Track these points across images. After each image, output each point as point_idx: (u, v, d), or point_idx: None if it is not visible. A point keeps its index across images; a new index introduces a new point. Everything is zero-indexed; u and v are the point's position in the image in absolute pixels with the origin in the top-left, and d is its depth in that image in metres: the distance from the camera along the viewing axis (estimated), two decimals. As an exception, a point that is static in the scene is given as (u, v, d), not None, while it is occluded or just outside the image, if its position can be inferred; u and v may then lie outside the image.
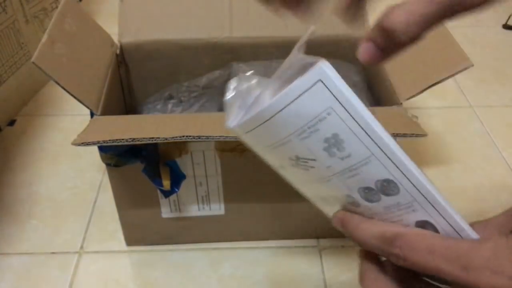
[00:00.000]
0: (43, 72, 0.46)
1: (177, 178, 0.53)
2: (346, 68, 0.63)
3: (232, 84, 0.28)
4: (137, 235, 0.62)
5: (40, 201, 0.69)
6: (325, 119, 0.24)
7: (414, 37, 0.25)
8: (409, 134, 0.45)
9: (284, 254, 0.61)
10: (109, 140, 0.44)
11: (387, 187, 0.26)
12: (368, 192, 0.27)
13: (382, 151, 0.24)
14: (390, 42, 0.25)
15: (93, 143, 0.44)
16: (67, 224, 0.66)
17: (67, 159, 0.75)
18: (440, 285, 0.27)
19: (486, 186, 0.71)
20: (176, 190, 0.53)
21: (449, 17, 0.24)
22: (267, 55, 0.66)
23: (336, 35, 0.64)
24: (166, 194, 0.54)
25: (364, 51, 0.26)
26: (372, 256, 0.29)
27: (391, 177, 0.25)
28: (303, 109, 0.24)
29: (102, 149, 0.50)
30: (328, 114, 0.24)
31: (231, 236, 0.62)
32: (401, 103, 0.52)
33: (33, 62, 0.45)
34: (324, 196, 0.30)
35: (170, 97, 0.69)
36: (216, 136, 0.45)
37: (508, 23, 1.07)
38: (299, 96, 0.24)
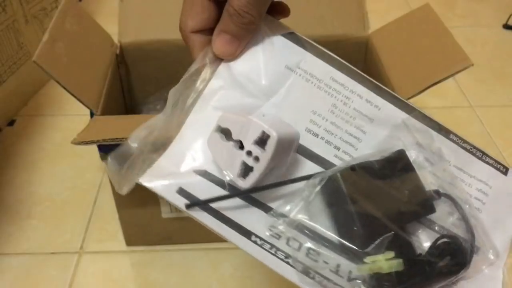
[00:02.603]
0: (44, 71, 0.46)
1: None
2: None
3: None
4: (137, 235, 0.62)
5: (40, 201, 0.69)
6: None
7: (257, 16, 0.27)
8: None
9: (284, 254, 0.61)
10: (109, 139, 0.44)
11: None
12: None
13: None
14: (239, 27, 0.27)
15: (93, 142, 0.44)
16: (67, 224, 0.66)
17: (67, 159, 0.75)
18: None
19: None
20: (176, 190, 0.53)
21: None
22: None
23: (336, 35, 0.64)
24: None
25: (220, 43, 0.27)
26: None
27: None
28: None
29: (102, 148, 0.50)
30: None
31: (231, 236, 0.62)
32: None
33: (34, 61, 0.45)
34: None
35: (170, 97, 0.69)
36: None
37: (508, 23, 1.07)
38: None
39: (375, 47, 0.61)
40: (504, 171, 0.34)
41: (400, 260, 0.27)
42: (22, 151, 0.77)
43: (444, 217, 0.31)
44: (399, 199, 0.29)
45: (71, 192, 0.71)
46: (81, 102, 0.49)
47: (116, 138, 0.44)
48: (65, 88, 0.47)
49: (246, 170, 0.26)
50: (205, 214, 0.28)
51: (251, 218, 0.29)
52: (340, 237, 0.29)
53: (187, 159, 0.29)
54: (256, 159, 0.26)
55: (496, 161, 0.34)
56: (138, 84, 0.69)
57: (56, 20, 0.51)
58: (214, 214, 0.29)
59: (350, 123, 0.31)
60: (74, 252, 0.63)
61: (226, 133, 0.27)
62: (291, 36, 0.32)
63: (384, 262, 0.27)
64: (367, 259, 0.28)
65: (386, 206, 0.29)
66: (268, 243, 0.29)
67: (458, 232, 0.30)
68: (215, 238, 0.63)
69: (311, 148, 0.31)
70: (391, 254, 0.27)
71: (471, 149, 0.33)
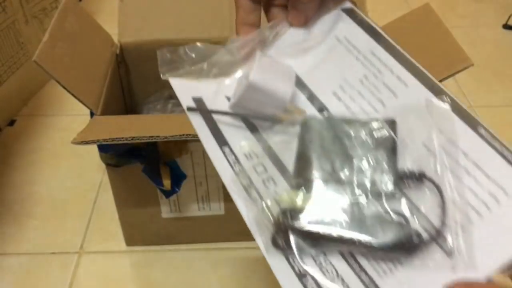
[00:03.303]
0: (44, 71, 0.46)
1: (178, 178, 0.53)
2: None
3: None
4: (137, 235, 0.62)
5: (40, 201, 0.69)
6: None
7: None
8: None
9: (284, 254, 0.61)
10: (109, 138, 0.44)
11: None
12: None
13: None
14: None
15: (93, 142, 0.44)
16: (67, 224, 0.66)
17: (67, 159, 0.75)
18: None
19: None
20: (177, 190, 0.53)
21: None
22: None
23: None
24: (167, 194, 0.54)
25: (292, 16, 0.33)
26: None
27: None
28: None
29: (102, 148, 0.50)
30: None
31: (231, 236, 0.62)
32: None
33: (34, 61, 0.45)
34: None
35: (170, 97, 0.69)
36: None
37: (508, 23, 1.07)
38: None
39: (375, 47, 0.61)
40: None
41: (317, 204, 0.28)
42: (22, 151, 0.77)
43: (422, 200, 0.29)
44: (352, 161, 0.29)
45: (71, 192, 0.71)
46: (81, 102, 0.49)
47: (116, 138, 0.44)
48: (65, 88, 0.47)
49: (235, 91, 0.32)
50: (201, 119, 0.33)
51: (237, 135, 0.32)
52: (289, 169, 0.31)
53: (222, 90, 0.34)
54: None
55: None
56: (138, 84, 0.69)
57: (56, 20, 0.52)
58: (209, 122, 0.33)
59: (375, 95, 0.32)
60: (74, 252, 0.63)
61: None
62: (348, 11, 0.35)
63: (290, 196, 0.28)
64: (288, 191, 0.29)
65: (336, 161, 0.29)
66: (235, 155, 0.31)
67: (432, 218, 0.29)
68: (215, 238, 0.63)
69: (331, 111, 0.33)
70: (310, 195, 0.29)
71: (499, 147, 0.30)
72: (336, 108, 0.33)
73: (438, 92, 0.31)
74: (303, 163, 0.30)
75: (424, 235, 0.28)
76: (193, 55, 0.34)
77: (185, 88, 0.34)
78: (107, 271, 0.60)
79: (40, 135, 0.80)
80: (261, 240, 0.28)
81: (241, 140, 0.32)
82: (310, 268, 0.28)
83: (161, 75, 0.34)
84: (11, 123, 0.82)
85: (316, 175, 0.29)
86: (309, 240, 0.28)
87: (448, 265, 0.27)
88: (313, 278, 0.28)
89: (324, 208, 0.28)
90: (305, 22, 0.35)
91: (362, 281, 0.27)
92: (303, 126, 0.31)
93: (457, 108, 0.31)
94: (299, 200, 0.28)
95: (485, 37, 1.05)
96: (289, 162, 0.31)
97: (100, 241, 0.64)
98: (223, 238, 0.62)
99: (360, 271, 0.28)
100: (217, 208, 0.58)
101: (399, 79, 0.33)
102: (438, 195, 0.29)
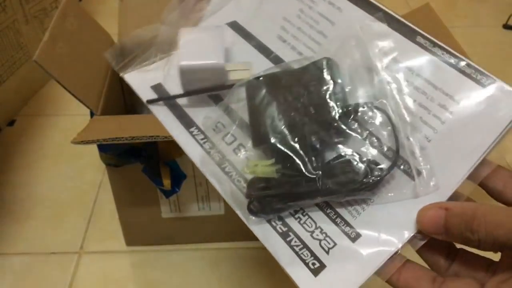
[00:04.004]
0: (45, 70, 0.46)
1: (178, 178, 0.53)
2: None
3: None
4: (137, 235, 0.62)
5: (40, 201, 0.69)
6: None
7: None
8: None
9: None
10: (109, 138, 0.44)
11: None
12: None
13: None
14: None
15: (93, 142, 0.44)
16: (67, 224, 0.66)
17: (67, 159, 0.75)
18: None
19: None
20: (177, 190, 0.53)
21: None
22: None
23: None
24: (167, 194, 0.54)
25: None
26: None
27: None
28: None
29: (102, 148, 0.50)
30: None
31: (231, 236, 0.62)
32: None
33: (34, 61, 0.45)
34: None
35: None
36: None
37: (508, 23, 1.07)
38: None
39: (375, 47, 0.61)
40: (486, 84, 0.27)
41: (274, 169, 0.27)
42: (22, 151, 0.77)
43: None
44: (298, 111, 0.28)
45: (71, 192, 0.71)
46: (81, 102, 0.49)
47: (116, 138, 0.44)
48: (65, 88, 0.47)
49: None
50: (164, 108, 0.32)
51: (202, 111, 0.32)
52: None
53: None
54: None
55: (478, 70, 0.28)
56: (138, 84, 0.69)
57: (56, 20, 0.52)
58: (172, 107, 0.32)
59: (314, 28, 0.32)
60: (74, 252, 0.63)
61: None
62: None
63: (260, 167, 0.28)
64: (249, 161, 0.29)
65: (286, 116, 0.28)
66: (202, 132, 0.31)
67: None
68: (215, 238, 0.63)
69: (280, 55, 0.32)
70: (270, 161, 0.28)
71: (441, 53, 0.28)
72: (282, 51, 0.32)
73: (372, 10, 0.30)
74: (256, 124, 0.29)
75: (384, 165, 0.27)
76: (139, 43, 0.34)
77: (141, 81, 0.34)
78: (107, 271, 0.60)
79: (40, 135, 0.80)
80: (240, 212, 0.29)
81: (206, 114, 0.32)
82: (291, 224, 0.28)
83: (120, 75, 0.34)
84: (11, 123, 0.82)
85: (270, 134, 0.28)
86: (282, 201, 0.28)
87: (413, 190, 0.26)
88: (295, 234, 0.28)
89: (285, 164, 0.28)
90: None
91: (337, 224, 0.27)
92: (247, 87, 0.30)
93: (393, 23, 0.30)
94: (262, 166, 0.28)
95: (485, 37, 1.05)
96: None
97: (100, 241, 0.64)
98: (223, 238, 0.62)
99: (336, 217, 0.28)
100: (217, 208, 0.58)
101: (332, 4, 0.32)
102: (388, 120, 0.27)
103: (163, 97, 0.33)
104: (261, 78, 0.30)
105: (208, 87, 0.31)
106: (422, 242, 0.26)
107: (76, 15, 0.55)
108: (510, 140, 0.28)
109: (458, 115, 0.27)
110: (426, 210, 0.25)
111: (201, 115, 0.32)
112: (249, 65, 0.31)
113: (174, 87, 0.32)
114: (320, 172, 0.27)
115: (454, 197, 0.26)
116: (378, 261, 0.26)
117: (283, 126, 0.28)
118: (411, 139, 0.27)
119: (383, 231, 0.26)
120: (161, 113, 0.32)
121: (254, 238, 0.28)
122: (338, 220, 0.28)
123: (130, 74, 0.34)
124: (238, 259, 0.61)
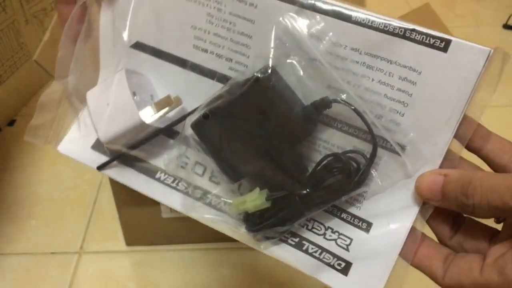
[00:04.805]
0: (45, 70, 0.46)
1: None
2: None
3: None
4: (137, 235, 0.62)
5: (40, 201, 0.69)
6: None
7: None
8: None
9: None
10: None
11: None
12: None
13: None
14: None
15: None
16: (67, 224, 0.66)
17: (67, 159, 0.75)
18: None
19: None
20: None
21: None
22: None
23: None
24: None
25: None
26: None
27: None
28: None
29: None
30: None
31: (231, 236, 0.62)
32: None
33: (34, 61, 0.45)
34: None
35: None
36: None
37: (508, 23, 1.07)
38: None
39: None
40: (443, 46, 0.26)
41: (263, 199, 0.27)
42: (22, 151, 0.77)
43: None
44: (267, 132, 0.26)
45: (71, 192, 0.71)
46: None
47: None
48: (65, 88, 0.47)
49: None
50: (119, 167, 0.31)
51: (162, 153, 0.30)
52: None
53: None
54: None
55: (430, 35, 0.26)
56: (138, 84, 0.69)
57: (56, 20, 0.51)
58: (127, 161, 0.30)
59: (233, 30, 0.28)
60: (74, 252, 0.63)
61: None
62: None
63: (249, 203, 0.27)
64: (234, 201, 0.28)
65: (251, 143, 0.26)
66: (170, 175, 0.30)
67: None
68: (215, 238, 0.63)
69: (205, 65, 0.29)
70: (256, 193, 0.27)
71: (387, 27, 0.26)
72: (206, 62, 0.29)
73: (293, 1, 0.27)
74: (224, 162, 0.27)
75: (366, 150, 0.27)
76: (49, 106, 0.31)
77: (77, 146, 0.31)
78: (107, 271, 0.60)
79: (40, 135, 0.80)
80: (249, 242, 0.28)
81: (166, 156, 0.30)
82: (300, 233, 0.28)
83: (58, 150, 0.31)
84: (11, 123, 0.82)
85: (245, 167, 0.27)
86: (284, 224, 0.27)
87: (403, 166, 0.26)
88: (309, 241, 0.28)
89: (272, 186, 0.27)
90: None
91: (345, 220, 0.27)
92: (197, 129, 0.27)
93: (325, 8, 0.27)
94: (250, 201, 0.27)
95: (485, 37, 1.05)
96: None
97: (100, 241, 0.64)
98: (223, 238, 0.62)
99: (341, 213, 0.28)
100: (217, 208, 0.58)
101: (243, 2, 0.28)
102: (351, 108, 0.26)
103: (113, 157, 0.31)
104: (209, 117, 0.26)
105: (149, 135, 0.29)
106: (431, 211, 0.26)
107: (76, 15, 0.55)
108: (510, 136, 0.28)
109: (423, 83, 0.26)
110: (425, 177, 0.26)
111: (160, 157, 0.30)
112: (169, 100, 0.29)
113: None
114: (310, 186, 0.27)
115: (448, 161, 0.26)
116: (399, 242, 0.26)
117: (256, 155, 0.26)
118: (383, 117, 0.26)
119: (392, 213, 0.26)
120: (119, 173, 0.30)
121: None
122: (344, 215, 0.28)
123: (62, 145, 0.32)
124: (238, 259, 0.61)
